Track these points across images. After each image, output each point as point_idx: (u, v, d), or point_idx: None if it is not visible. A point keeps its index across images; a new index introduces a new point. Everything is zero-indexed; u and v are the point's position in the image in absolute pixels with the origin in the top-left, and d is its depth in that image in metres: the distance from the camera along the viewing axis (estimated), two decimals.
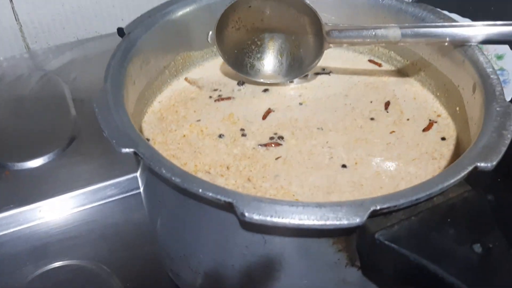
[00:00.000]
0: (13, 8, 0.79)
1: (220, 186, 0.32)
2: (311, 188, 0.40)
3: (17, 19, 0.80)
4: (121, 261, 0.53)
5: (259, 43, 0.50)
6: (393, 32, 0.44)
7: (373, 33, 0.45)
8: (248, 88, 0.50)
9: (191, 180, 0.32)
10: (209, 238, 0.37)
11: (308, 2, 0.46)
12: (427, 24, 0.46)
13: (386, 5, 0.48)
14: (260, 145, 0.44)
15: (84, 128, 0.66)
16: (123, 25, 0.84)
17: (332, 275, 0.36)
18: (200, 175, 0.41)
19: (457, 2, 0.81)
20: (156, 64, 0.47)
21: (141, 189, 0.44)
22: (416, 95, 0.48)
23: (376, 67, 0.52)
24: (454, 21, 0.45)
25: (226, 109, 0.47)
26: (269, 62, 0.50)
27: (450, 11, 0.66)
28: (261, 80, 0.50)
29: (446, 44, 0.43)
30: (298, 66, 0.49)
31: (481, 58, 0.41)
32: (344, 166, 0.41)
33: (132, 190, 0.60)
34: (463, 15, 0.72)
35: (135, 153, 0.34)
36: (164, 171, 0.32)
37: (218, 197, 0.31)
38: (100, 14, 0.84)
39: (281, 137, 0.44)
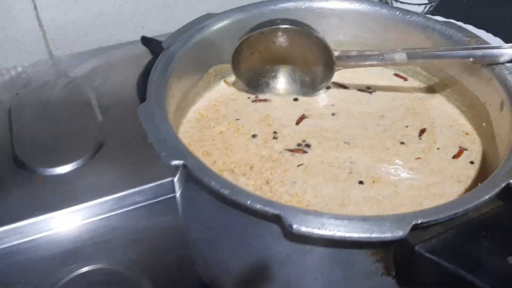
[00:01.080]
0: (37, 14, 0.80)
1: (267, 199, 0.34)
2: (325, 199, 0.41)
3: (41, 25, 0.82)
4: (151, 264, 0.55)
5: (272, 65, 0.52)
6: (399, 56, 0.47)
7: (380, 57, 0.47)
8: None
9: (240, 192, 0.34)
10: (250, 246, 0.39)
11: (317, 33, 0.48)
12: (435, 48, 0.48)
13: (413, 22, 0.50)
14: (287, 150, 0.46)
15: (111, 134, 0.67)
16: (144, 33, 0.86)
17: (367, 284, 0.38)
18: (225, 174, 0.43)
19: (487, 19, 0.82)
20: (191, 76, 0.49)
21: (178, 196, 0.45)
22: (453, 122, 0.49)
23: (402, 82, 0.54)
24: (481, 39, 0.47)
25: (263, 111, 0.50)
26: (283, 80, 0.52)
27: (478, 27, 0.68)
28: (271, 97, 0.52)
29: (470, 63, 0.46)
30: (310, 84, 0.52)
31: (509, 77, 0.42)
32: (361, 182, 0.43)
33: (159, 196, 0.61)
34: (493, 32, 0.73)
35: (184, 165, 0.35)
36: (213, 183, 0.34)
37: (266, 209, 0.33)
38: (122, 22, 0.86)
39: (308, 145, 0.46)
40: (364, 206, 0.41)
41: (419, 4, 0.90)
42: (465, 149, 0.46)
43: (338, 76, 0.54)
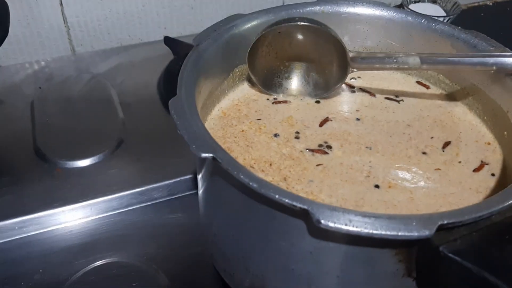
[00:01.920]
0: (62, 11, 0.82)
1: (295, 194, 0.34)
2: (339, 199, 0.42)
3: (65, 22, 0.83)
4: (168, 259, 0.55)
5: (287, 64, 0.53)
6: (413, 60, 0.47)
7: (394, 60, 0.48)
8: (300, 96, 0.53)
9: (268, 186, 0.34)
10: (273, 242, 0.39)
11: (333, 32, 0.49)
12: (449, 53, 0.48)
13: (438, 30, 0.51)
14: (308, 149, 0.46)
15: (131, 131, 0.68)
16: (166, 33, 0.87)
17: (388, 284, 0.38)
18: None
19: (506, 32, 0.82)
20: (218, 75, 0.50)
21: (200, 190, 0.46)
22: (479, 138, 0.49)
23: (424, 89, 0.54)
24: (506, 49, 0.47)
25: (285, 112, 0.51)
26: (296, 81, 0.53)
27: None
28: (288, 99, 0.53)
29: (492, 72, 0.46)
30: (323, 86, 0.52)
31: None
32: (377, 186, 0.43)
33: (178, 193, 0.62)
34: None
35: (213, 158, 0.36)
36: (242, 176, 0.35)
37: (294, 203, 0.33)
38: (145, 22, 0.87)
39: (329, 147, 0.47)
40: (378, 209, 0.41)
41: (437, 17, 0.90)
42: (487, 164, 0.46)
43: (364, 82, 0.55)
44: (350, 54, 0.49)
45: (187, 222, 0.59)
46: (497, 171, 0.45)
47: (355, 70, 0.49)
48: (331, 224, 0.32)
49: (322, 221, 0.32)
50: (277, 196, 0.34)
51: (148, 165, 0.64)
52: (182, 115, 0.39)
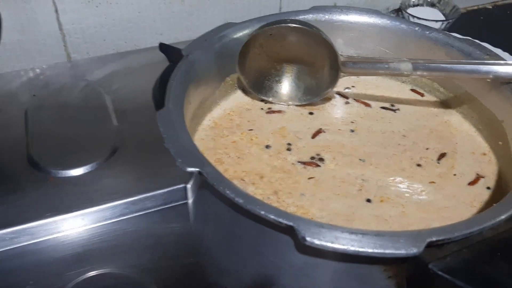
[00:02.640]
0: (58, 18, 0.81)
1: (281, 210, 0.33)
2: (330, 213, 0.41)
3: (61, 28, 0.82)
4: (161, 270, 0.54)
5: (278, 67, 0.52)
6: (405, 66, 0.47)
7: (386, 66, 0.47)
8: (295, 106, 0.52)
9: (254, 202, 0.34)
10: (263, 257, 0.39)
11: (325, 35, 0.48)
12: (443, 60, 0.47)
13: (433, 38, 0.50)
14: (300, 162, 0.46)
15: (126, 139, 0.67)
16: (162, 39, 0.87)
17: None
18: (235, 182, 0.43)
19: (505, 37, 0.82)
20: (209, 84, 0.50)
21: (190, 203, 0.45)
22: (474, 148, 0.48)
23: (418, 97, 0.53)
24: (500, 57, 0.47)
25: (278, 122, 0.50)
26: (287, 85, 0.52)
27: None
28: (278, 103, 0.52)
29: (489, 80, 0.46)
30: (314, 90, 0.52)
31: None
32: (368, 200, 0.43)
33: (171, 202, 0.61)
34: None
35: (199, 172, 0.35)
36: (228, 192, 0.34)
37: (280, 220, 0.33)
38: (141, 28, 0.86)
39: (321, 159, 0.46)
40: (370, 223, 0.41)
41: (436, 21, 0.90)
42: (482, 177, 0.45)
43: (359, 92, 0.54)
44: (342, 59, 0.48)
45: (181, 232, 0.58)
46: (492, 184, 0.45)
47: (346, 75, 0.49)
48: (316, 242, 0.32)
49: (308, 239, 0.32)
50: (262, 213, 0.33)
51: (142, 174, 0.63)
52: (169, 128, 0.39)
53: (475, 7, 1.08)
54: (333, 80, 0.50)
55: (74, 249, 0.57)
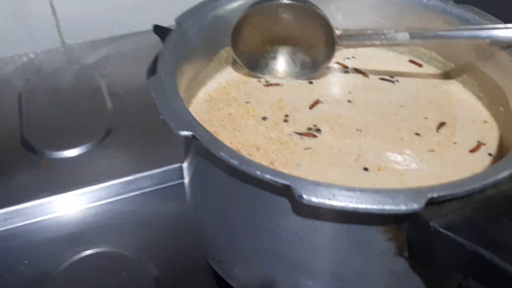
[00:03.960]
0: (51, 3, 0.80)
1: (277, 169, 0.33)
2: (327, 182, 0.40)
3: (54, 13, 0.81)
4: (157, 249, 0.54)
5: (272, 45, 0.51)
6: (402, 36, 0.45)
7: (382, 37, 0.46)
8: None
9: (249, 162, 0.33)
10: (258, 224, 0.38)
11: (318, 10, 0.47)
12: (440, 28, 0.46)
13: (430, 6, 0.49)
14: (297, 133, 0.45)
15: (120, 121, 0.67)
16: (157, 22, 0.85)
17: (378, 264, 0.36)
18: None
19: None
20: (202, 56, 0.49)
21: (187, 179, 0.44)
22: (475, 117, 0.47)
23: (417, 68, 0.52)
24: (499, 21, 0.46)
25: (276, 95, 0.49)
26: (282, 61, 0.51)
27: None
28: (274, 80, 0.51)
29: (487, 45, 0.45)
30: (311, 65, 0.51)
31: None
32: (366, 169, 0.41)
33: (167, 181, 0.61)
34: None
35: (193, 135, 0.34)
36: (222, 153, 0.33)
37: (276, 179, 0.32)
38: (135, 12, 0.85)
39: (318, 130, 0.45)
40: None
41: None
42: (483, 144, 0.44)
43: (359, 62, 0.53)
44: (337, 32, 0.47)
45: (177, 211, 0.58)
46: (494, 150, 0.44)
47: (342, 48, 0.48)
48: (313, 199, 0.31)
49: (305, 196, 0.31)
50: (258, 173, 0.32)
51: (136, 154, 0.63)
52: (161, 94, 0.38)
53: None
54: (329, 54, 0.49)
55: (68, 229, 0.56)
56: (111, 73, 0.75)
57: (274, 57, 0.51)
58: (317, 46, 0.49)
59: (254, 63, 0.51)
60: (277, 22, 0.49)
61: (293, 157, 0.42)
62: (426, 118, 0.47)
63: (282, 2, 0.47)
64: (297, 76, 0.51)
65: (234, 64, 0.52)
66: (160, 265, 0.52)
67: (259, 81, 0.51)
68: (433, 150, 0.43)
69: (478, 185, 0.32)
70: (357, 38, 0.47)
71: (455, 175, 0.41)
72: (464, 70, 0.49)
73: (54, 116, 0.67)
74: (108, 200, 0.59)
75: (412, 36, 0.45)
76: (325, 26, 0.47)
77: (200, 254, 0.51)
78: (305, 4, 0.47)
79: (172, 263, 0.52)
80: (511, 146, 0.42)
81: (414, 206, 0.30)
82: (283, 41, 0.50)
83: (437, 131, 0.45)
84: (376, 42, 0.47)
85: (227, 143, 0.43)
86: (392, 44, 0.46)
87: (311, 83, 0.50)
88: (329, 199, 0.31)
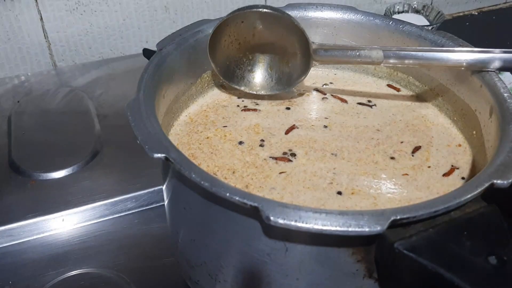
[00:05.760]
0: (43, 26, 0.82)
1: (247, 192, 0.33)
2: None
3: (46, 37, 0.83)
4: (139, 271, 0.54)
5: (250, 56, 0.51)
6: (376, 53, 0.46)
7: (357, 53, 0.47)
8: (272, 102, 0.52)
9: (219, 184, 0.34)
10: (231, 245, 0.38)
11: (296, 22, 0.48)
12: (414, 48, 0.47)
13: (406, 31, 0.50)
14: (272, 157, 0.45)
15: (107, 142, 0.68)
16: (147, 47, 0.87)
17: (349, 285, 0.37)
18: None
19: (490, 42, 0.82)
20: (184, 80, 0.50)
21: (166, 201, 0.45)
22: (450, 141, 0.48)
23: (395, 92, 0.53)
24: (471, 46, 0.47)
25: (253, 119, 0.50)
26: (259, 75, 0.52)
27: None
28: (249, 91, 0.52)
29: (463, 68, 0.46)
30: (286, 80, 0.51)
31: (498, 83, 0.42)
32: (339, 193, 0.42)
33: (151, 203, 0.61)
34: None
35: (166, 158, 0.35)
36: (193, 176, 0.34)
37: (245, 201, 0.33)
38: (126, 36, 0.87)
39: (293, 154, 0.46)
40: None
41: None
42: (457, 168, 0.45)
43: (337, 88, 0.54)
44: (313, 46, 0.48)
45: (160, 232, 0.58)
46: (467, 174, 0.44)
47: (318, 63, 0.49)
48: (280, 221, 0.31)
49: (272, 218, 0.31)
50: (227, 194, 0.33)
51: (122, 176, 0.63)
52: (138, 117, 0.39)
53: (461, 14, 1.09)
54: (305, 69, 0.49)
55: (53, 250, 0.57)
56: (101, 96, 0.76)
57: (251, 70, 0.52)
58: (294, 59, 0.50)
59: (231, 74, 0.51)
60: (256, 33, 0.50)
61: (268, 180, 0.43)
62: (402, 142, 0.47)
63: (261, 10, 0.48)
64: (273, 90, 0.51)
65: (215, 88, 0.53)
66: (141, 285, 0.52)
67: (238, 106, 0.52)
68: (407, 174, 0.44)
69: (441, 207, 0.32)
70: (333, 53, 0.48)
71: (427, 198, 0.41)
72: (439, 94, 0.50)
73: (42, 138, 0.68)
74: (93, 222, 0.60)
75: (386, 55, 0.46)
76: (302, 39, 0.48)
77: (180, 275, 0.52)
78: (283, 14, 0.48)
79: (152, 285, 0.53)
80: (481, 166, 0.43)
81: (377, 228, 0.31)
82: (261, 53, 0.51)
83: (412, 155, 0.46)
84: (351, 59, 0.47)
85: (204, 166, 0.44)
86: (366, 63, 0.46)
87: (288, 108, 0.51)
88: (296, 221, 0.31)
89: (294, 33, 0.48)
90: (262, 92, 0.51)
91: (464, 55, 0.44)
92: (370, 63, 0.46)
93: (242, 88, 0.51)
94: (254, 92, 0.51)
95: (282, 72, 0.51)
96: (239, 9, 0.48)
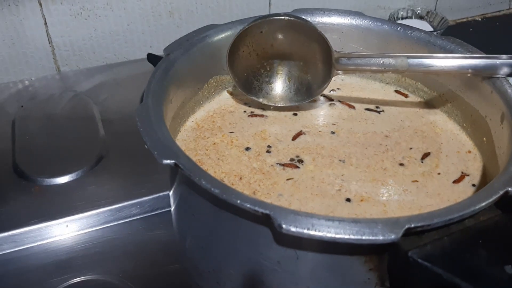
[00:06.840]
0: (47, 31, 0.82)
1: (258, 199, 0.33)
2: None
3: (50, 41, 0.83)
4: (145, 277, 0.54)
5: (268, 67, 0.51)
6: (401, 61, 0.45)
7: (381, 62, 0.46)
8: (279, 108, 0.52)
9: (230, 191, 0.33)
10: (241, 253, 0.38)
11: (319, 30, 0.47)
12: (437, 55, 0.46)
13: (415, 37, 0.50)
14: (279, 164, 0.45)
15: (112, 147, 0.67)
16: (151, 51, 0.87)
17: None
18: None
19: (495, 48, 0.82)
20: (191, 85, 0.49)
21: (173, 207, 0.45)
22: (460, 147, 0.47)
23: (403, 98, 0.53)
24: (481, 52, 0.46)
25: (260, 125, 0.49)
26: (277, 86, 0.51)
27: None
28: (268, 103, 0.51)
29: (469, 75, 0.45)
30: (305, 90, 0.51)
31: (509, 90, 0.42)
32: (348, 199, 0.42)
33: (156, 209, 0.61)
34: None
35: (175, 164, 0.35)
36: (203, 182, 0.34)
37: (256, 208, 0.32)
38: (130, 41, 0.87)
39: (301, 161, 0.45)
40: None
41: None
42: (467, 175, 0.44)
43: (344, 94, 0.54)
44: (336, 55, 0.47)
45: (166, 239, 0.58)
46: (477, 181, 0.44)
47: (340, 73, 0.48)
48: (293, 229, 0.31)
49: (284, 226, 0.31)
50: (238, 201, 0.32)
51: (127, 181, 0.63)
52: (147, 122, 0.38)
53: (465, 20, 1.08)
54: (326, 78, 0.48)
55: (57, 256, 0.56)
56: (105, 100, 0.76)
57: (269, 82, 0.51)
58: (314, 69, 0.49)
59: (249, 85, 0.50)
60: (275, 42, 0.49)
61: (275, 187, 0.43)
62: (410, 148, 0.47)
63: (284, 18, 0.47)
64: (291, 101, 0.50)
65: (222, 93, 0.53)
66: None
67: (244, 112, 0.51)
68: (417, 181, 0.44)
69: (455, 215, 0.32)
70: (355, 61, 0.47)
71: (438, 206, 0.41)
72: (448, 100, 0.50)
73: (47, 143, 0.68)
74: (98, 228, 0.59)
75: (411, 63, 0.45)
76: (324, 48, 0.47)
77: (186, 282, 0.51)
78: (306, 22, 0.47)
79: None
80: (493, 176, 0.43)
81: (392, 236, 0.30)
82: (280, 64, 0.50)
83: (422, 162, 0.46)
84: (374, 68, 0.46)
85: (211, 172, 0.43)
86: (389, 71, 0.46)
87: (295, 114, 0.51)
88: (308, 229, 0.31)
89: (315, 41, 0.47)
90: (281, 104, 0.51)
91: (474, 61, 0.44)
92: (395, 72, 0.46)
93: (261, 100, 0.50)
94: (273, 104, 0.51)
95: (301, 82, 0.50)
96: (260, 17, 0.47)
